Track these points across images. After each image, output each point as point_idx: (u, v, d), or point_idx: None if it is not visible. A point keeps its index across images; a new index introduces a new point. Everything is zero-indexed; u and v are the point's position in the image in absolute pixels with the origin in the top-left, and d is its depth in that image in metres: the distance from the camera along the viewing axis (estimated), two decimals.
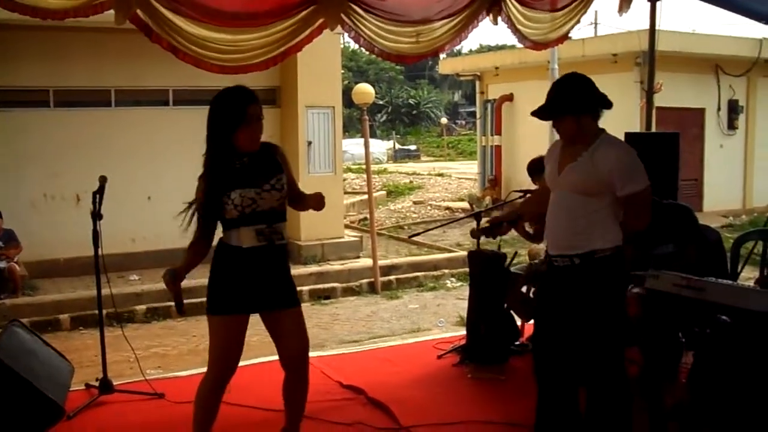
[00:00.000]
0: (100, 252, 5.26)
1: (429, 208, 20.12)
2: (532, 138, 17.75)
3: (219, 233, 3.95)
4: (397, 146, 44.42)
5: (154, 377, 5.93)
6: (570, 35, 6.87)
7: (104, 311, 5.67)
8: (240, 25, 5.37)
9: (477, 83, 21.89)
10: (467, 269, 6.70)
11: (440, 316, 9.56)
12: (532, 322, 6.39)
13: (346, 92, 14.68)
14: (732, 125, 18.68)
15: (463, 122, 55.62)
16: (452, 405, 5.24)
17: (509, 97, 19.96)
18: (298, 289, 10.65)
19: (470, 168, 27.76)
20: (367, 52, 6.27)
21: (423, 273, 12.08)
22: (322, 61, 12.08)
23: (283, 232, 3.99)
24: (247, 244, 3.84)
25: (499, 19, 6.17)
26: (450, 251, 13.45)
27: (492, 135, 20.20)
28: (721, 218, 16.57)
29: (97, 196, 5.16)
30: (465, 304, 6.46)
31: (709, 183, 18.28)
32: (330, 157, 12.94)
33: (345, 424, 4.88)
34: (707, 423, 4.54)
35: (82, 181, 8.94)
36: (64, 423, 4.83)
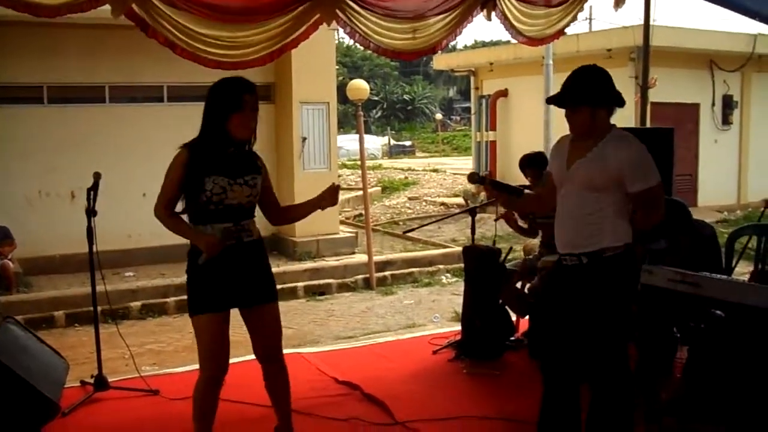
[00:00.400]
0: (94, 249, 5.26)
1: (424, 203, 20.12)
2: (527, 133, 17.81)
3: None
4: (392, 142, 44.40)
5: (149, 374, 5.94)
6: (565, 31, 6.86)
7: (99, 308, 5.66)
8: (236, 20, 5.36)
9: (472, 79, 21.89)
10: (462, 265, 6.70)
11: (435, 312, 9.57)
12: (527, 317, 6.43)
13: (341, 88, 14.67)
14: (726, 120, 18.71)
15: (458, 118, 55.65)
16: (448, 400, 5.24)
17: (504, 93, 19.97)
18: (294, 285, 10.84)
19: (465, 163, 27.77)
20: (362, 48, 6.28)
21: (418, 269, 12.09)
22: (317, 57, 12.06)
23: (252, 230, 4.00)
24: (220, 233, 3.83)
25: (493, 14, 6.16)
26: (445, 247, 13.45)
27: (487, 130, 20.20)
28: (715, 213, 16.61)
29: (92, 192, 5.15)
30: (460, 299, 6.46)
31: (704, 178, 18.31)
32: (325, 153, 12.92)
33: (341, 419, 4.88)
34: (702, 417, 4.55)
35: (77, 177, 8.91)
36: (59, 420, 4.83)
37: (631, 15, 8.43)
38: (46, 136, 11.30)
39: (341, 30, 5.82)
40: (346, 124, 38.63)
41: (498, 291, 6.15)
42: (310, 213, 4.23)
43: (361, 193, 14.04)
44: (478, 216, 6.48)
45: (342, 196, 17.31)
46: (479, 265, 6.14)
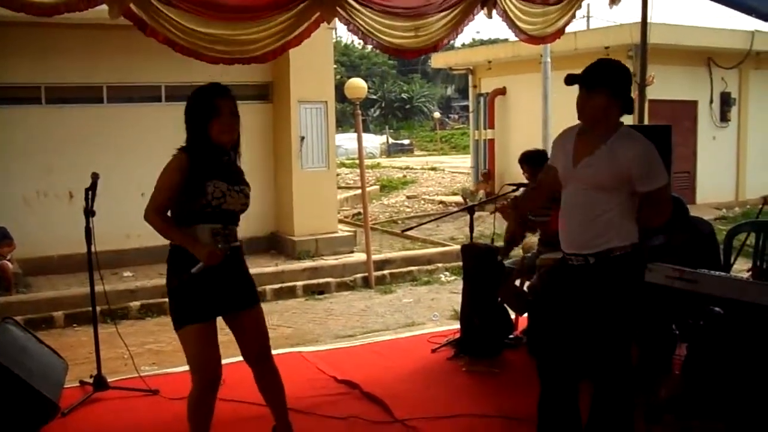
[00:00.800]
0: (93, 249, 5.25)
1: (422, 202, 20.13)
2: (525, 131, 17.78)
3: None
4: (390, 141, 44.40)
5: (149, 374, 5.94)
6: (564, 30, 6.86)
7: (98, 308, 5.66)
8: (236, 18, 5.35)
9: (470, 77, 21.86)
10: (461, 263, 6.70)
11: (434, 310, 9.57)
12: (525, 315, 6.43)
13: (339, 87, 14.66)
14: (724, 118, 18.69)
15: (456, 116, 55.59)
16: (447, 398, 5.25)
17: (502, 91, 19.95)
18: (293, 284, 10.84)
19: (463, 162, 27.75)
20: (360, 47, 6.29)
21: (417, 267, 12.08)
22: (315, 56, 12.05)
23: (236, 235, 4.00)
24: (221, 245, 3.81)
25: (494, 12, 6.17)
26: (444, 245, 13.45)
27: (485, 129, 20.18)
28: (714, 210, 16.61)
29: (90, 192, 5.15)
30: (459, 297, 6.47)
31: (702, 175, 18.30)
32: (323, 152, 12.91)
33: (340, 418, 4.88)
34: (701, 414, 4.56)
35: (75, 177, 8.90)
36: (59, 420, 4.83)
37: (629, 13, 8.43)
38: (44, 136, 11.29)
39: (339, 28, 5.83)
40: (344, 122, 38.55)
41: (497, 289, 6.15)
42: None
43: (359, 192, 14.04)
44: (476, 214, 6.49)
45: (340, 195, 17.43)
46: (478, 264, 6.14)
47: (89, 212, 5.15)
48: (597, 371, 4.00)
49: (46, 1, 4.61)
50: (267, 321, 4.21)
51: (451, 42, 6.49)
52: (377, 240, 13.91)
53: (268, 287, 10.21)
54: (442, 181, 24.34)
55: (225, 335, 4.06)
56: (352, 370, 5.79)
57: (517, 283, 6.50)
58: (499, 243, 6.44)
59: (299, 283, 10.93)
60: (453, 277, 11.46)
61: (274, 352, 4.26)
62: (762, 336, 4.44)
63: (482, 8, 6.10)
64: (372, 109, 52.61)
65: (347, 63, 52.22)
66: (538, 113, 15.91)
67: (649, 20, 7.56)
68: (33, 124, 11.25)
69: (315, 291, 10.94)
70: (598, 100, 3.79)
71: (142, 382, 5.46)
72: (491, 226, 7.23)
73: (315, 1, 5.45)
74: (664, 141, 6.63)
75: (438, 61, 23.48)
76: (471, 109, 22.06)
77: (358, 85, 12.21)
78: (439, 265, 12.22)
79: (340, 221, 14.54)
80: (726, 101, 18.60)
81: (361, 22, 5.69)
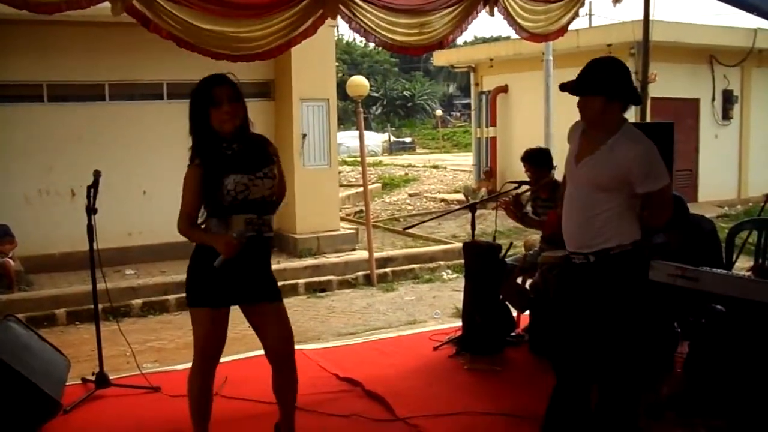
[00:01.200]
0: (95, 246, 5.26)
1: (424, 200, 20.11)
2: (527, 129, 17.78)
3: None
4: (392, 138, 44.35)
5: (151, 371, 5.93)
6: (567, 28, 6.86)
7: (100, 306, 5.67)
8: (240, 16, 5.34)
9: (472, 75, 21.85)
10: (463, 261, 6.70)
11: (436, 308, 9.56)
12: (527, 313, 6.43)
13: (341, 85, 14.64)
14: (726, 115, 18.69)
15: (458, 114, 55.57)
16: (448, 396, 5.25)
17: (504, 89, 19.95)
18: (294, 282, 10.85)
19: (465, 160, 27.73)
20: (362, 45, 6.29)
21: (419, 265, 12.07)
22: (317, 54, 12.03)
23: (271, 225, 4.00)
24: (236, 234, 3.82)
25: (496, 10, 6.16)
26: (446, 243, 13.44)
27: (487, 127, 20.19)
28: (716, 208, 16.60)
29: (92, 190, 5.15)
30: (461, 295, 6.47)
31: (704, 173, 18.30)
32: (325, 150, 12.90)
33: (342, 416, 4.89)
34: (703, 412, 4.56)
35: (77, 175, 8.90)
36: (61, 417, 4.84)
37: (631, 10, 8.42)
38: (46, 134, 11.28)
39: (341, 26, 5.83)
40: (346, 120, 38.59)
41: (498, 287, 6.15)
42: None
43: (361, 189, 14.02)
44: (478, 212, 6.48)
45: (342, 192, 17.42)
46: (480, 261, 6.14)
47: (91, 210, 5.16)
48: (602, 370, 4.00)
49: None
50: None
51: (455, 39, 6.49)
52: (379, 238, 13.90)
53: None
54: (444, 179, 24.32)
55: (238, 331, 4.06)
56: (353, 368, 5.79)
57: (519, 280, 6.50)
58: (501, 241, 6.43)
59: (301, 281, 10.93)
60: (455, 275, 11.46)
61: None
62: (763, 334, 4.44)
63: (484, 6, 6.09)
64: (374, 107, 52.57)
65: (349, 61, 52.19)
66: (540, 111, 15.90)
67: (651, 18, 7.57)
68: (35, 122, 11.25)
69: (317, 289, 10.94)
70: (595, 105, 3.80)
71: (144, 380, 5.47)
72: (493, 223, 7.22)
73: None
74: (667, 139, 6.63)
75: (440, 58, 23.46)
76: (473, 107, 22.07)
77: (360, 83, 12.20)
78: (441, 262, 12.21)
79: (342, 219, 14.53)
80: (728, 99, 18.59)
81: (364, 19, 5.69)
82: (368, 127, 42.01)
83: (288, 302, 10.42)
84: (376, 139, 40.46)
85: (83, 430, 4.85)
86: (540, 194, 6.31)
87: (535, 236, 6.72)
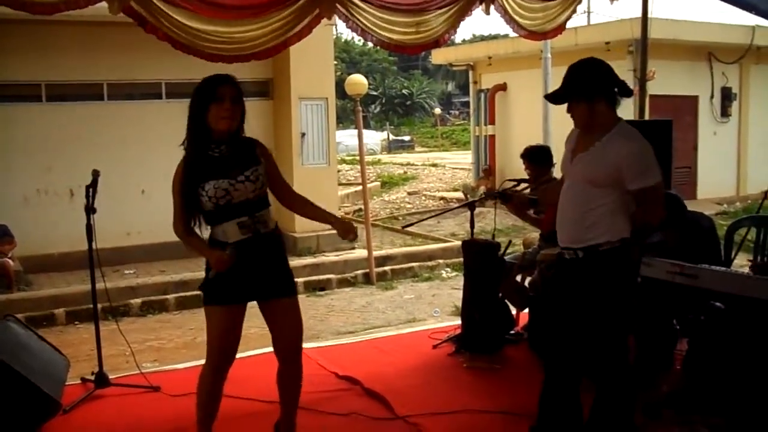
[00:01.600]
0: (94, 246, 5.26)
1: (423, 198, 20.11)
2: (526, 127, 17.76)
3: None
4: (391, 137, 44.32)
5: (150, 370, 5.94)
6: (566, 26, 6.85)
7: (99, 305, 5.67)
8: (236, 16, 5.35)
9: (470, 73, 21.83)
10: (462, 259, 6.71)
11: (435, 306, 9.56)
12: (526, 311, 6.43)
13: (340, 83, 14.63)
14: (725, 113, 18.67)
15: (457, 112, 55.54)
16: (448, 394, 5.25)
17: (502, 87, 19.93)
18: (294, 280, 10.78)
19: (464, 158, 27.73)
20: (361, 43, 6.29)
21: (418, 263, 12.07)
22: (315, 53, 12.04)
23: (268, 221, 3.99)
24: (233, 239, 3.85)
25: (492, 9, 6.16)
26: (445, 241, 13.44)
27: (486, 125, 20.17)
28: (714, 205, 16.59)
29: (91, 190, 5.15)
30: (460, 293, 6.47)
31: (703, 170, 18.29)
32: (324, 149, 12.91)
33: (341, 414, 4.89)
34: (702, 409, 4.56)
35: (76, 175, 8.90)
36: (60, 417, 4.84)
37: (629, 8, 8.43)
38: (45, 134, 11.29)
39: (339, 25, 5.83)
40: (344, 119, 38.57)
41: (497, 285, 6.15)
42: (321, 221, 4.22)
43: (360, 188, 14.03)
44: (477, 210, 6.48)
45: (341, 191, 17.40)
46: (479, 259, 6.15)
47: (90, 209, 5.16)
48: (593, 366, 4.03)
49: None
50: None
51: (451, 37, 6.49)
52: (378, 236, 13.90)
53: None
54: (443, 178, 24.32)
55: (249, 330, 4.06)
56: (353, 367, 5.80)
57: (518, 278, 6.50)
58: (500, 239, 6.44)
59: (300, 280, 10.90)
60: (454, 273, 11.46)
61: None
62: (762, 331, 4.44)
63: (480, 4, 6.09)
64: (372, 106, 52.56)
65: (347, 59, 52.18)
66: (539, 109, 15.88)
67: (649, 15, 7.57)
68: (33, 122, 11.25)
69: (316, 287, 10.94)
70: (580, 111, 3.88)
71: (144, 379, 5.47)
72: (492, 222, 7.23)
73: None
74: (665, 136, 6.64)
75: (438, 57, 23.45)
76: (471, 105, 22.05)
77: (358, 82, 12.19)
78: (440, 261, 12.21)
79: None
80: (727, 96, 18.58)
81: (360, 18, 5.69)
82: (367, 126, 41.99)
83: None
84: (375, 138, 40.44)
85: (83, 429, 4.85)
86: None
87: (534, 234, 6.73)
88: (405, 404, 4.98)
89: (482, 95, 20.37)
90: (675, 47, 16.49)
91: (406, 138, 45.16)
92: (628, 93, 3.91)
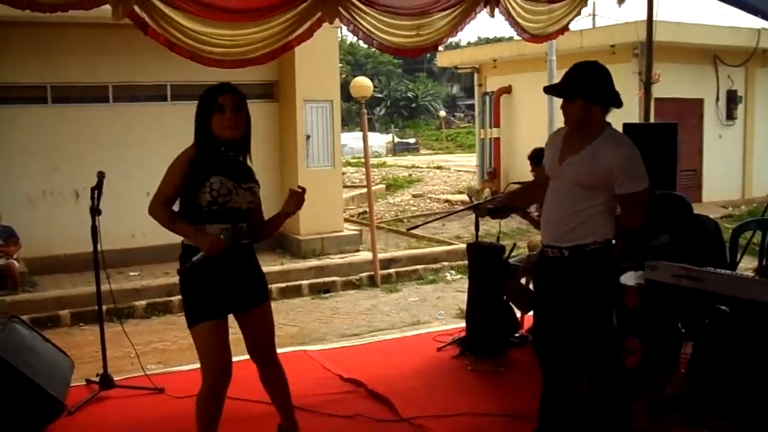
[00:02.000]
0: (99, 248, 5.26)
1: (428, 201, 20.12)
2: (531, 130, 17.76)
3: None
4: (396, 139, 44.33)
5: (155, 372, 5.94)
6: (569, 27, 6.85)
7: (104, 307, 5.68)
8: (238, 19, 5.36)
9: (475, 76, 21.85)
10: (467, 262, 6.71)
11: (440, 309, 9.57)
12: (531, 313, 6.42)
13: (345, 86, 14.67)
14: (731, 116, 18.65)
15: (462, 115, 55.55)
16: (452, 397, 5.25)
17: (507, 90, 19.94)
18: (298, 283, 10.85)
19: (469, 161, 27.75)
20: (366, 46, 6.27)
21: (422, 266, 12.08)
22: (320, 55, 12.05)
23: (246, 232, 3.96)
24: (224, 235, 3.78)
25: (496, 11, 6.16)
26: (449, 244, 13.45)
27: (490, 127, 20.18)
28: (720, 209, 16.58)
29: (96, 191, 5.16)
30: (464, 296, 6.47)
31: (708, 173, 18.27)
32: (329, 151, 12.92)
33: (345, 416, 4.89)
34: (707, 412, 4.55)
35: (81, 177, 8.94)
36: (65, 418, 4.84)
37: (635, 11, 8.41)
38: (50, 135, 11.32)
39: (344, 27, 5.82)
40: (349, 121, 38.56)
41: (502, 287, 6.15)
42: (280, 225, 4.19)
43: (365, 190, 14.04)
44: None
45: (346, 193, 17.42)
46: (483, 262, 6.14)
47: (95, 211, 5.17)
48: (584, 363, 4.08)
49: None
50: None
51: (453, 40, 6.50)
52: (383, 239, 13.91)
53: (273, 286, 10.18)
54: (448, 180, 24.33)
55: (233, 334, 4.07)
56: (357, 369, 5.79)
57: (523, 281, 6.49)
58: (505, 242, 6.43)
59: (305, 282, 10.93)
60: (459, 276, 11.46)
61: (279, 350, 4.28)
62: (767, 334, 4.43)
63: (485, 6, 6.08)
64: (377, 108, 52.59)
65: (352, 62, 52.22)
66: (544, 112, 15.88)
67: (655, 18, 7.56)
68: (39, 124, 11.28)
69: (321, 290, 10.95)
70: (576, 108, 3.93)
71: (148, 381, 5.47)
72: (497, 224, 7.22)
73: (317, 1, 5.45)
74: (670, 139, 6.63)
75: (443, 59, 23.48)
76: (476, 107, 22.05)
77: (363, 84, 12.21)
78: (445, 263, 12.22)
79: (346, 220, 14.54)
80: (732, 99, 18.55)
81: (363, 22, 5.69)
82: (372, 128, 41.98)
83: (292, 303, 10.53)
84: (379, 140, 40.44)
85: (87, 431, 4.85)
86: None
87: (539, 237, 6.70)
88: (409, 406, 4.97)
89: (487, 98, 20.38)
90: (680, 50, 16.47)
91: (411, 140, 45.18)
92: (618, 104, 3.98)
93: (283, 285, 10.60)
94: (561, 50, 15.61)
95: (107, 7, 4.76)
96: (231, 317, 3.99)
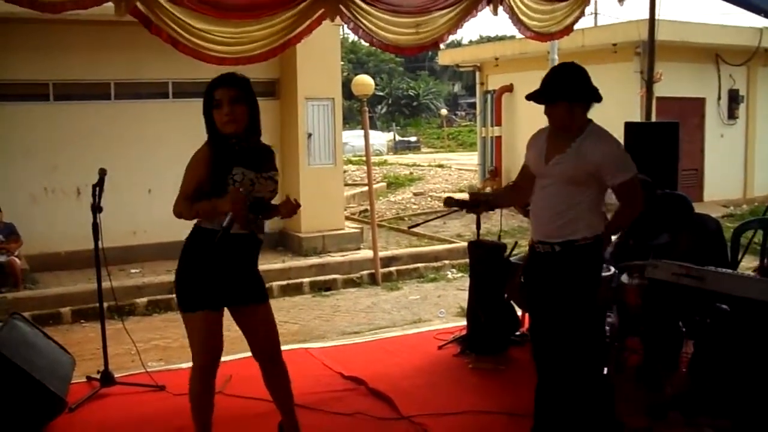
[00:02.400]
0: (100, 245, 5.27)
1: (429, 199, 20.11)
2: (532, 129, 17.66)
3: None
4: (397, 138, 44.33)
5: (155, 369, 5.94)
6: (573, 28, 6.84)
7: (105, 304, 5.68)
8: (240, 17, 5.36)
9: (477, 74, 21.84)
10: (467, 260, 6.71)
11: (441, 307, 9.57)
12: None
13: (346, 84, 14.65)
14: (732, 115, 18.64)
15: (463, 113, 55.51)
16: (453, 395, 5.25)
17: (509, 88, 19.92)
18: (299, 280, 10.86)
19: (470, 159, 27.73)
20: (367, 44, 6.26)
21: (423, 264, 12.08)
22: (322, 53, 12.06)
23: (263, 228, 3.97)
24: (233, 230, 3.74)
25: (500, 9, 6.15)
26: (450, 242, 13.45)
27: (492, 126, 20.17)
28: (721, 208, 16.57)
29: (97, 188, 5.16)
30: (465, 294, 6.47)
31: (710, 173, 18.26)
32: (330, 149, 12.92)
33: (346, 414, 4.89)
34: (708, 411, 4.55)
35: (82, 174, 8.94)
36: (66, 415, 4.84)
37: (636, 10, 8.42)
38: (52, 132, 11.33)
39: (346, 25, 5.82)
40: (351, 119, 38.59)
41: (503, 286, 6.14)
42: (271, 218, 4.16)
43: (366, 188, 14.03)
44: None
45: (347, 192, 17.42)
46: (484, 260, 6.14)
47: (96, 208, 5.17)
48: (573, 359, 4.10)
49: None
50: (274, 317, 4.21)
51: (455, 38, 6.50)
52: (384, 237, 13.91)
53: (275, 284, 10.23)
54: (449, 178, 24.33)
55: (234, 331, 4.07)
56: (358, 367, 5.79)
57: (524, 279, 6.49)
58: (506, 240, 6.43)
59: (306, 280, 10.94)
60: (459, 274, 11.46)
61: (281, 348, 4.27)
62: None
63: (488, 4, 6.08)
64: (379, 106, 52.57)
65: (354, 60, 52.22)
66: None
67: (656, 17, 7.56)
68: (40, 121, 11.29)
69: (322, 288, 10.95)
70: (560, 112, 4.07)
71: (149, 378, 5.47)
72: (498, 223, 7.23)
73: None
74: (672, 138, 6.64)
75: (445, 58, 23.47)
76: (478, 106, 22.04)
77: (365, 82, 12.21)
78: (446, 261, 12.22)
79: (347, 218, 14.54)
80: (734, 98, 18.54)
81: (363, 20, 5.69)
82: (373, 127, 41.95)
83: (293, 301, 10.52)
84: (381, 139, 40.46)
85: (88, 428, 4.86)
86: None
87: None
88: (410, 404, 4.98)
89: (489, 96, 20.38)
90: (682, 49, 16.47)
91: (413, 139, 45.19)
92: (598, 98, 4.07)
93: (284, 283, 10.61)
94: (563, 49, 15.58)
95: (109, 4, 4.77)
96: (229, 317, 4.01)
